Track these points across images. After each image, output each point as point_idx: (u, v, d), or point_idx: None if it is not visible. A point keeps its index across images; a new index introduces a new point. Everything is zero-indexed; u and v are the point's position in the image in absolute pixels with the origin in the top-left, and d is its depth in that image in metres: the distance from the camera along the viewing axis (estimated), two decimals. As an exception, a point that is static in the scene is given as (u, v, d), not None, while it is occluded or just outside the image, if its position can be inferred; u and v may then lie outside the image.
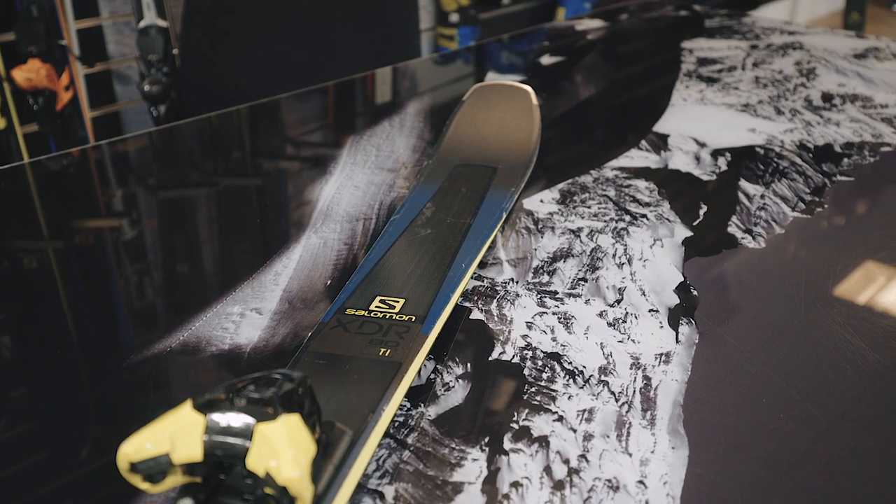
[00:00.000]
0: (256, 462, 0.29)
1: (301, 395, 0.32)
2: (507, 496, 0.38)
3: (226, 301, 0.54)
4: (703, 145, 0.77)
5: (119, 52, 1.71)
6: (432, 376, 0.46)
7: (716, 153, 0.76)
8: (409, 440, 0.41)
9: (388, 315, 0.48)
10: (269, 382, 0.32)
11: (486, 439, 0.41)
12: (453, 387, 0.45)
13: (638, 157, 0.75)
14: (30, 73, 1.30)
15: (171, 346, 0.49)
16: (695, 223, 0.63)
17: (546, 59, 1.07)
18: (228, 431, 0.30)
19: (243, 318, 0.52)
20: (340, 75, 1.01)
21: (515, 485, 0.38)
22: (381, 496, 0.38)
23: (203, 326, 0.51)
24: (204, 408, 0.30)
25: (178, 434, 0.30)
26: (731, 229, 0.62)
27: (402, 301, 0.49)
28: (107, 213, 0.70)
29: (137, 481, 0.30)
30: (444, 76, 1.09)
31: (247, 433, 0.29)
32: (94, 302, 0.57)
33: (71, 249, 0.64)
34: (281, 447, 0.29)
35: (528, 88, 0.77)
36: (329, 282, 0.56)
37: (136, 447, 0.29)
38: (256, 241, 0.65)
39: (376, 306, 0.48)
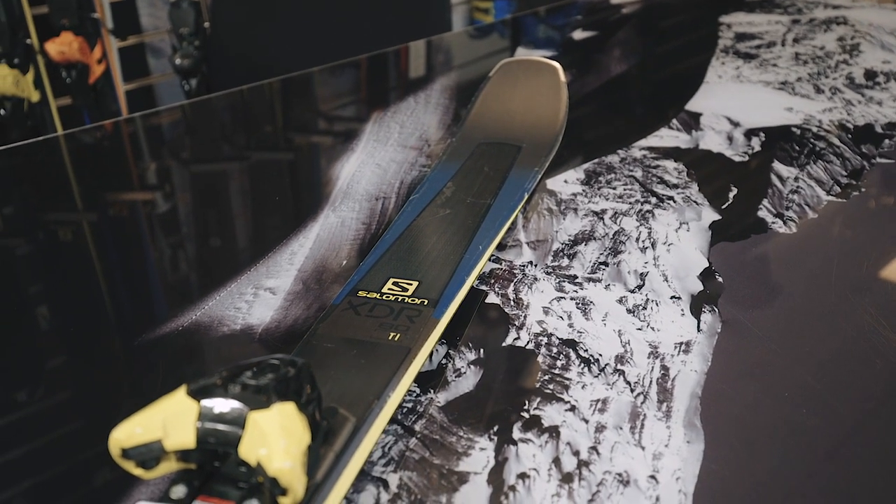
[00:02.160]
0: (248, 451, 0.28)
1: (299, 382, 0.31)
2: (513, 488, 0.37)
3: (240, 280, 0.53)
4: (736, 125, 0.75)
5: (152, 26, 1.72)
6: (444, 361, 0.45)
7: (749, 133, 0.73)
8: (417, 427, 0.40)
9: (400, 298, 0.47)
10: (266, 368, 0.31)
11: (495, 428, 0.40)
12: (464, 373, 0.44)
13: (668, 137, 0.73)
14: (62, 46, 1.31)
15: (182, 326, 0.49)
16: (724, 206, 0.61)
17: (578, 34, 1.05)
18: (221, 419, 0.29)
19: (257, 298, 0.51)
20: (366, 50, 1.00)
21: (523, 476, 0.37)
22: (385, 484, 0.37)
23: (216, 306, 0.51)
24: (198, 394, 0.30)
25: (170, 420, 0.29)
26: (762, 213, 0.60)
27: (415, 284, 0.48)
28: (139, 186, 0.70)
29: (130, 467, 0.29)
30: (478, 50, 1.07)
31: (239, 421, 0.29)
32: (112, 279, 0.57)
33: (104, 222, 0.64)
34: (272, 437, 0.28)
35: (556, 65, 0.75)
36: (344, 262, 0.55)
37: (127, 433, 0.29)
38: (275, 219, 0.64)
39: (389, 289, 0.48)
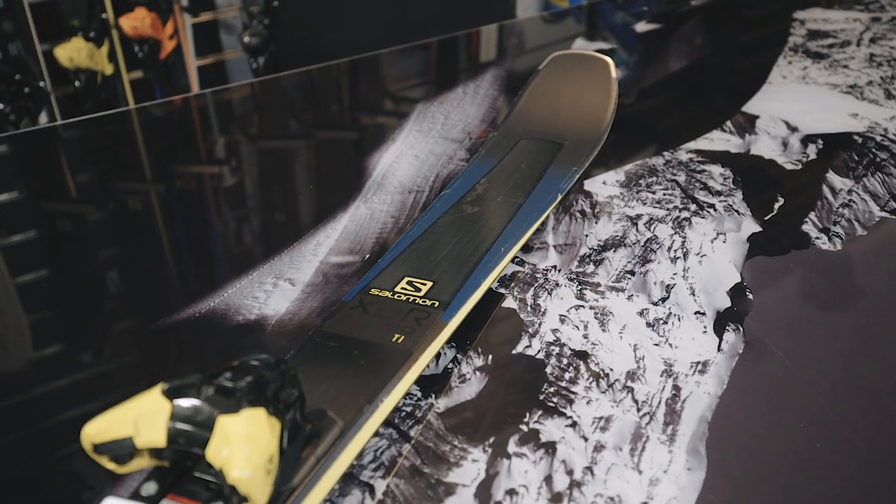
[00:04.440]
0: (215, 455, 0.28)
1: (279, 385, 0.31)
2: (499, 504, 0.36)
3: (263, 269, 0.54)
4: (794, 130, 0.71)
5: (226, 3, 1.74)
6: (450, 366, 0.45)
7: (807, 139, 0.70)
8: (412, 433, 0.40)
9: (411, 298, 0.46)
10: (245, 371, 0.31)
11: (491, 440, 0.39)
12: (469, 379, 0.44)
13: (719, 140, 0.70)
14: (136, 21, 1.35)
15: (199, 313, 0.50)
16: (766, 218, 0.58)
17: (642, 26, 1.02)
18: (192, 420, 0.29)
19: (276, 289, 0.52)
20: (432, 34, 0.99)
21: (511, 492, 0.37)
22: (372, 490, 0.37)
23: (236, 294, 0.51)
24: (172, 393, 0.30)
25: (142, 418, 0.29)
26: (807, 227, 0.57)
27: (429, 284, 0.47)
28: (196, 162, 0.71)
29: (104, 461, 0.30)
30: (546, 37, 1.05)
31: (208, 424, 0.29)
32: (144, 259, 0.58)
33: (162, 194, 0.66)
34: (236, 443, 0.28)
35: (608, 60, 0.73)
36: (367, 256, 0.55)
37: (98, 429, 0.29)
38: (308, 207, 0.64)
39: (402, 288, 0.47)
